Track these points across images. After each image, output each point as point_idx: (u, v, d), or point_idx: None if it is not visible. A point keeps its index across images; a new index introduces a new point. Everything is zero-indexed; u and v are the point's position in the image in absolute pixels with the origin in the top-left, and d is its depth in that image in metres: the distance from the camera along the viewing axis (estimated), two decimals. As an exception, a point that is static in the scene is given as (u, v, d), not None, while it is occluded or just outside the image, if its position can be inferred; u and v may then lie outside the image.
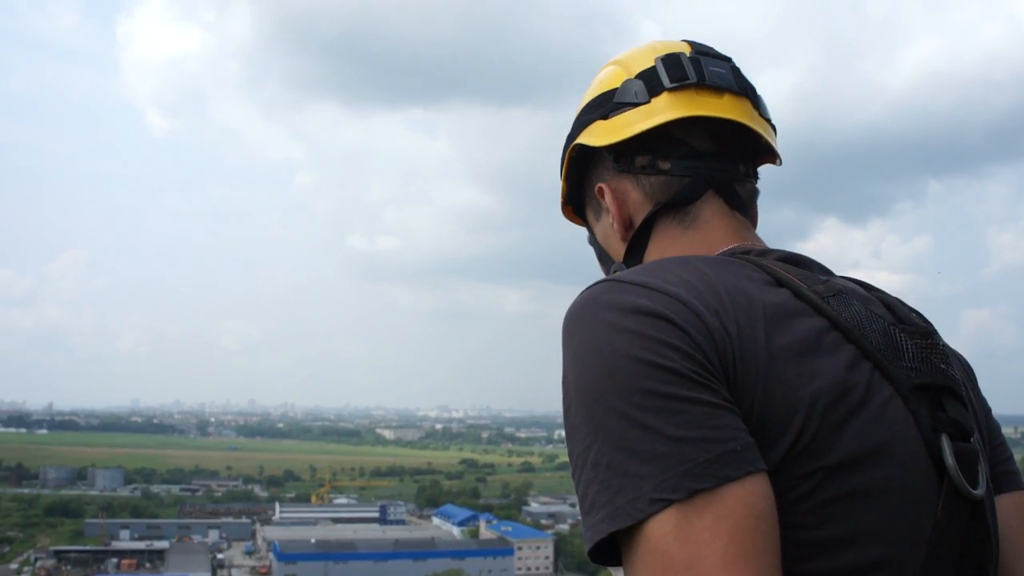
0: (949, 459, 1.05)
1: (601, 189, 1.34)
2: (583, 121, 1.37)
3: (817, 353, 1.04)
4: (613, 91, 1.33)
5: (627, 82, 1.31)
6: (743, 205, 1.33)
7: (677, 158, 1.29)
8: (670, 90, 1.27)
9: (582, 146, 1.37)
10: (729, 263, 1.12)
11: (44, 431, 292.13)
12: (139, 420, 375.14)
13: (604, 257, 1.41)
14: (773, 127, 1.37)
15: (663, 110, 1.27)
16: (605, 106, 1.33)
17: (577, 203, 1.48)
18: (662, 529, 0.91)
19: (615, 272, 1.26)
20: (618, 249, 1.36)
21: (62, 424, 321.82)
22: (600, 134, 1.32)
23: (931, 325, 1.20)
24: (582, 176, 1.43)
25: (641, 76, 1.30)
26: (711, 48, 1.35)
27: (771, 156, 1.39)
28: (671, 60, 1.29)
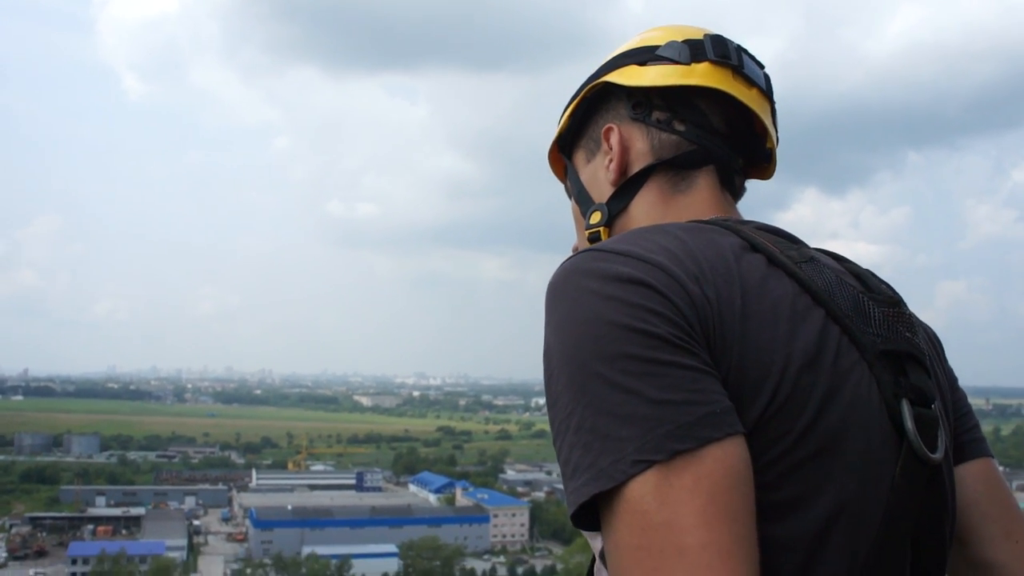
0: (909, 423, 1.08)
1: (610, 129, 1.36)
2: (614, 64, 1.39)
3: (790, 318, 1.06)
4: (655, 47, 1.36)
5: (673, 42, 1.34)
6: (734, 192, 1.37)
7: (693, 125, 1.32)
8: (712, 62, 1.32)
9: (602, 90, 1.40)
10: (706, 230, 1.14)
11: (19, 397, 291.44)
12: (115, 386, 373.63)
13: (584, 198, 1.42)
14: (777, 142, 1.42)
15: (701, 75, 1.31)
16: (644, 56, 1.36)
17: (570, 146, 1.49)
18: (642, 489, 0.92)
19: (593, 213, 1.36)
20: (604, 192, 1.38)
21: (37, 390, 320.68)
22: (634, 76, 1.34)
23: (899, 295, 1.23)
24: (588, 117, 1.44)
25: (687, 42, 1.34)
26: (749, 52, 1.39)
27: (762, 168, 1.44)
28: (718, 40, 1.35)
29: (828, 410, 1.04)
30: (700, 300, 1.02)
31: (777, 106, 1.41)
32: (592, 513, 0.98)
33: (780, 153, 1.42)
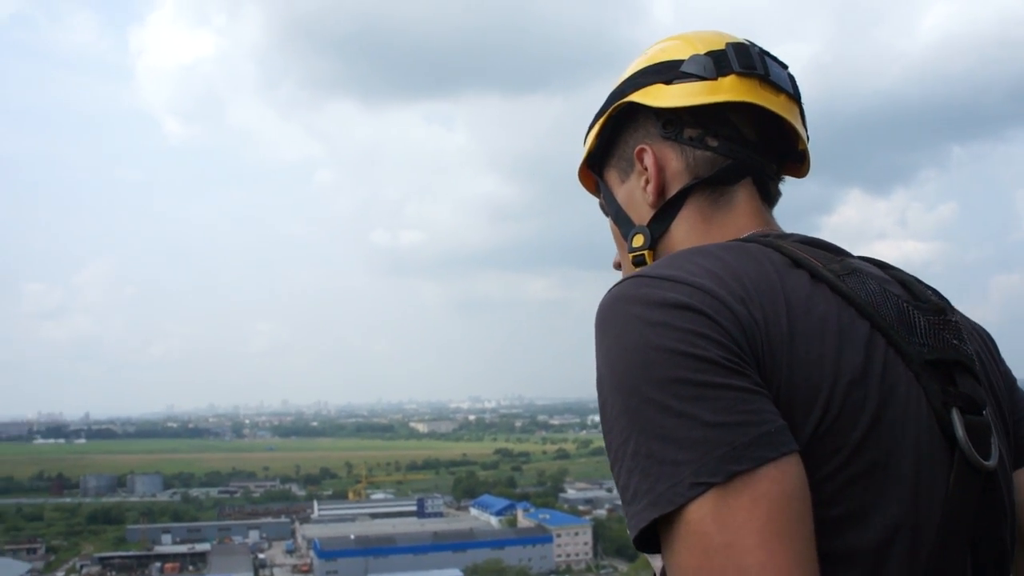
0: (960, 432, 1.07)
1: (643, 151, 1.35)
2: (639, 82, 1.37)
3: (837, 333, 1.06)
4: (678, 61, 1.34)
5: (696, 56, 1.33)
6: (771, 200, 1.37)
7: (725, 139, 1.31)
8: (738, 74, 1.30)
9: (629, 107, 1.38)
10: (748, 248, 1.15)
11: (82, 440, 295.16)
12: (174, 425, 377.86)
13: (623, 219, 1.41)
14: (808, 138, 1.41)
15: (728, 90, 1.30)
16: (668, 73, 1.34)
17: (600, 164, 1.48)
18: (700, 512, 0.93)
19: (635, 236, 1.36)
20: (643, 213, 1.37)
21: (99, 433, 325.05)
22: (661, 96, 1.33)
23: (946, 302, 1.22)
24: (616, 136, 1.42)
25: (711, 55, 1.32)
26: (772, 53, 1.38)
27: (796, 167, 1.43)
28: (741, 49, 1.33)
29: (879, 424, 1.04)
30: (747, 321, 1.03)
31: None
32: (653, 536, 0.98)
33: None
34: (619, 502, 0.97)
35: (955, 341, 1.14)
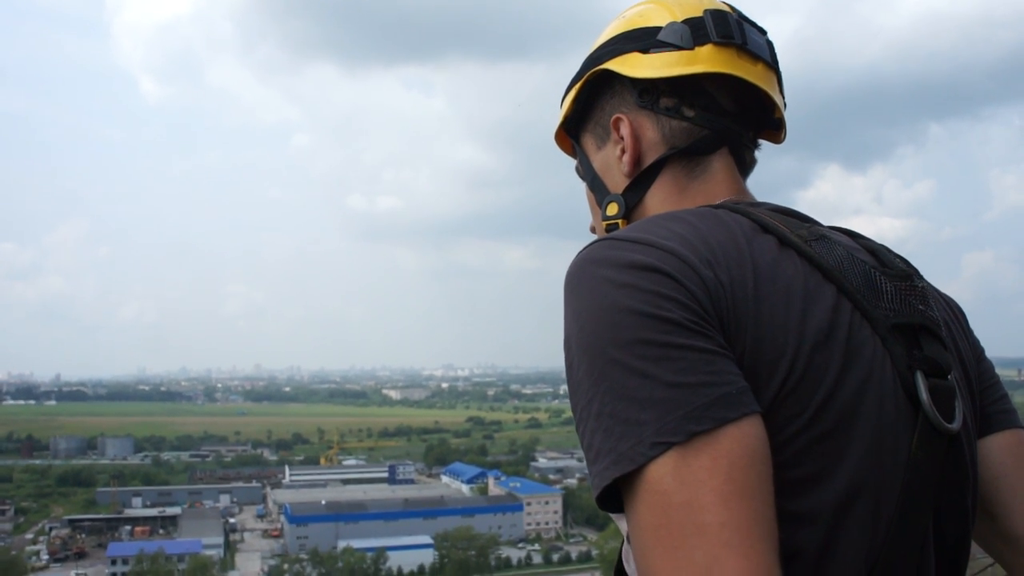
0: (923, 394, 1.09)
1: (619, 120, 1.35)
2: (616, 49, 1.36)
3: (803, 297, 1.08)
4: (655, 28, 1.33)
5: (673, 24, 1.31)
6: (746, 168, 1.38)
7: (702, 109, 1.31)
8: (715, 44, 1.29)
9: (606, 73, 1.37)
10: (717, 214, 1.16)
11: (53, 402, 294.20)
12: (146, 388, 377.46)
13: (599, 186, 1.41)
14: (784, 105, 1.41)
15: (706, 60, 1.29)
16: (645, 40, 1.33)
17: (576, 128, 1.47)
18: (661, 471, 0.94)
19: (609, 204, 1.37)
20: (618, 181, 1.37)
21: (70, 395, 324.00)
22: (638, 66, 1.32)
23: (913, 269, 1.24)
24: (593, 102, 1.42)
25: (688, 23, 1.31)
26: (750, 18, 1.37)
27: (773, 133, 1.43)
28: (719, 16, 1.32)
29: (843, 386, 1.05)
30: (713, 284, 1.04)
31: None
32: (616, 496, 1.00)
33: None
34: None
35: (921, 306, 1.16)
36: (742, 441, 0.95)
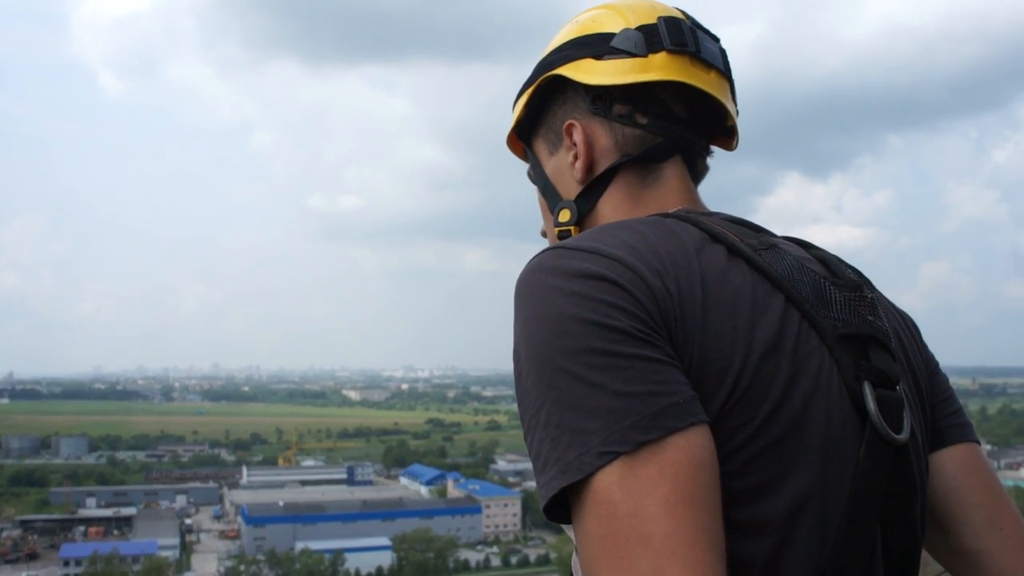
0: (871, 404, 1.09)
1: (572, 126, 1.34)
2: (568, 55, 1.35)
3: (751, 307, 1.07)
4: (609, 35, 1.32)
5: (627, 31, 1.31)
6: (698, 176, 1.37)
7: (655, 116, 1.31)
8: (669, 51, 1.29)
9: (557, 78, 1.37)
10: (667, 223, 1.15)
11: (5, 400, 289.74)
12: (102, 387, 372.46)
13: (550, 192, 1.41)
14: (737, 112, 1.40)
15: (659, 68, 1.28)
16: (598, 47, 1.32)
17: (528, 133, 1.47)
18: (608, 480, 0.93)
19: (561, 211, 1.36)
20: (570, 188, 1.37)
21: (24, 393, 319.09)
22: (591, 73, 1.32)
23: (865, 279, 1.24)
24: (545, 107, 1.41)
25: (642, 29, 1.31)
26: (703, 25, 1.37)
27: (725, 140, 1.43)
28: (673, 24, 1.31)
29: (790, 396, 1.05)
30: (661, 293, 1.04)
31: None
32: (565, 505, 0.99)
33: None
34: None
35: (870, 317, 1.16)
36: (689, 451, 0.95)
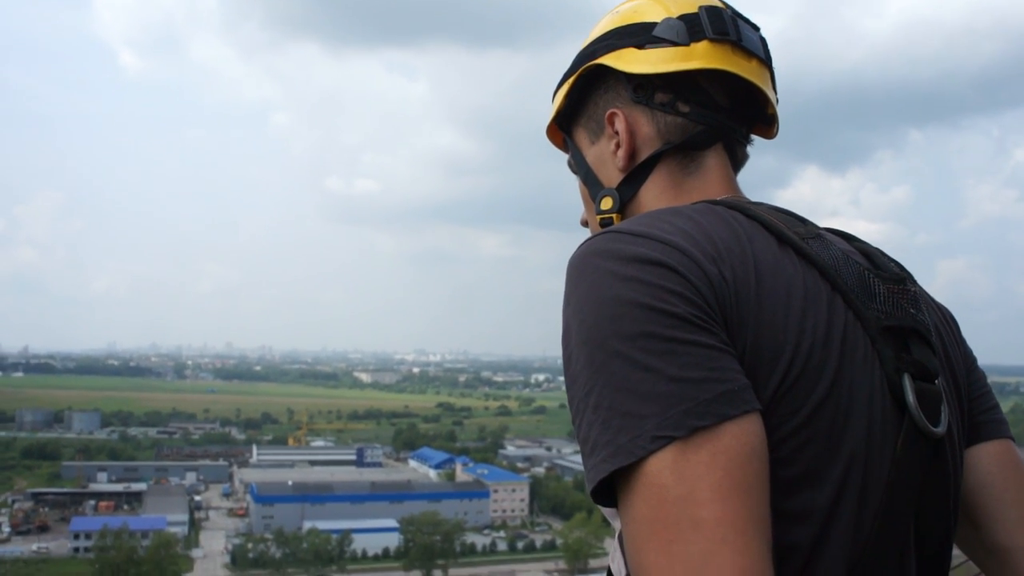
0: (910, 397, 1.10)
1: (614, 115, 1.35)
2: (611, 44, 1.36)
3: (802, 296, 1.08)
4: (650, 24, 1.33)
5: (669, 20, 1.31)
6: (738, 164, 1.38)
7: (697, 104, 1.31)
8: (711, 40, 1.30)
9: (598, 68, 1.37)
10: (719, 211, 1.15)
11: (20, 374, 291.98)
12: (116, 363, 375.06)
13: (592, 180, 1.41)
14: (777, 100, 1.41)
15: (702, 56, 1.29)
16: (640, 36, 1.33)
17: (568, 123, 1.47)
18: (660, 464, 0.93)
19: (603, 198, 1.36)
20: (612, 176, 1.37)
21: (38, 367, 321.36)
22: (634, 61, 1.32)
23: (907, 273, 1.25)
24: (586, 96, 1.42)
25: (683, 19, 1.31)
26: (744, 15, 1.38)
27: (765, 128, 1.43)
28: (715, 12, 1.32)
29: (838, 386, 1.06)
30: (717, 280, 1.04)
31: (778, 84, 1.41)
32: (611, 489, 0.99)
33: (781, 132, 1.43)
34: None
35: (912, 310, 1.17)
36: (742, 438, 0.95)
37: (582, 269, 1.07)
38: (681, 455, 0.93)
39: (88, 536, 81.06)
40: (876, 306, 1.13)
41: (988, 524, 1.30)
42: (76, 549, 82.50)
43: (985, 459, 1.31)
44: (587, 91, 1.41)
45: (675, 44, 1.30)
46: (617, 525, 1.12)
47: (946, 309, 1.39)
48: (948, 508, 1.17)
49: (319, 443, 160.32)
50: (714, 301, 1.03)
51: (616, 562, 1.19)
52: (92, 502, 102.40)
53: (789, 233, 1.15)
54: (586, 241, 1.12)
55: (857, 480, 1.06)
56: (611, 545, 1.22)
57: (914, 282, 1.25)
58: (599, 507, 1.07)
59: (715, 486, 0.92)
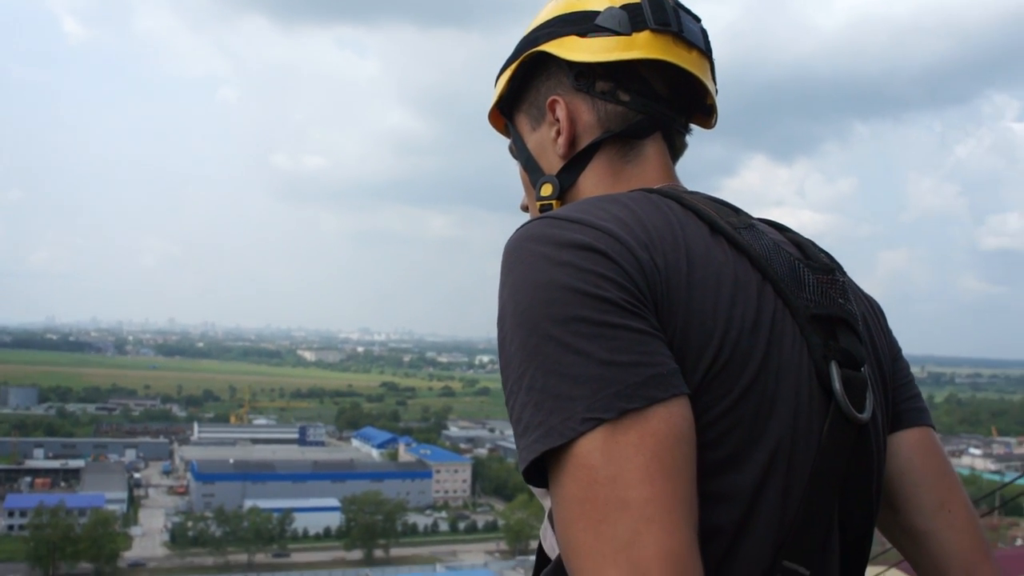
0: (836, 384, 1.14)
1: (555, 102, 1.36)
2: (553, 31, 1.37)
3: (732, 284, 1.11)
4: (593, 12, 1.34)
5: (612, 9, 1.33)
6: (676, 154, 1.41)
7: (637, 94, 1.33)
8: (652, 30, 1.31)
9: (541, 55, 1.38)
10: (654, 200, 1.18)
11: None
12: (54, 337, 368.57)
13: (533, 167, 1.43)
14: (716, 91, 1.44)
15: (643, 46, 1.31)
16: (583, 24, 1.34)
17: (510, 108, 1.49)
18: (590, 446, 0.96)
19: (543, 185, 1.38)
20: (553, 163, 1.39)
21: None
22: (576, 49, 1.33)
23: (836, 264, 1.28)
24: (528, 82, 1.43)
25: (626, 8, 1.33)
26: (685, 6, 1.40)
27: (704, 119, 1.46)
28: (657, 4, 1.33)
29: (765, 372, 1.09)
30: (649, 267, 1.06)
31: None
32: (542, 470, 1.01)
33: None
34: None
35: (841, 300, 1.20)
36: (669, 421, 0.98)
37: (518, 253, 1.09)
38: (610, 437, 0.96)
39: (23, 514, 79.98)
40: (805, 295, 1.17)
41: (906, 507, 1.35)
42: (11, 527, 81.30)
43: (906, 446, 1.35)
44: (529, 77, 1.42)
45: (617, 33, 1.31)
46: (548, 505, 1.15)
47: (874, 300, 1.42)
48: (871, 492, 1.21)
49: (261, 421, 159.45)
50: (645, 287, 1.05)
51: (547, 540, 1.23)
52: (28, 479, 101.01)
53: (722, 222, 1.17)
54: (522, 226, 1.14)
55: (783, 463, 1.09)
56: (544, 526, 1.26)
57: (843, 272, 1.29)
58: (531, 487, 1.10)
59: (643, 467, 0.94)
